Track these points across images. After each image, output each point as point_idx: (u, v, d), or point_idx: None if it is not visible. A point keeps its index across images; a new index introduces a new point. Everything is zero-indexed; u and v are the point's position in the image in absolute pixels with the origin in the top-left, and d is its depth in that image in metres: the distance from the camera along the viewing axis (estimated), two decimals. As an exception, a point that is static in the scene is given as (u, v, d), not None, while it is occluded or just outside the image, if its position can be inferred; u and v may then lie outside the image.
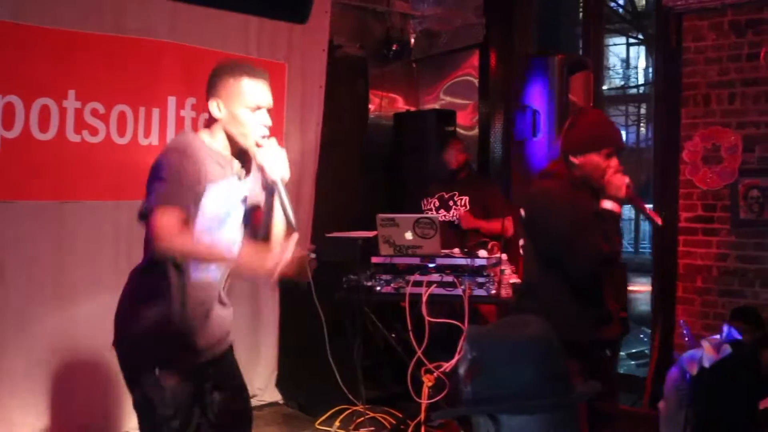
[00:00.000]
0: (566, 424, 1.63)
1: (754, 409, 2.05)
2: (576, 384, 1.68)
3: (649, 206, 3.56)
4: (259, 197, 3.06)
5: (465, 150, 5.88)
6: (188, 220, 2.75)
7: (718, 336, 2.06)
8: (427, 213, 5.69)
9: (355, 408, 5.16)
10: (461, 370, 1.70)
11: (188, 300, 2.87)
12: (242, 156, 2.96)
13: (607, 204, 3.27)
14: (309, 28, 5.58)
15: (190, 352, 2.91)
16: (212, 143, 2.90)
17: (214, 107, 2.87)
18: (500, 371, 1.61)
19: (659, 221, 3.47)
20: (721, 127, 5.57)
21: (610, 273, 3.54)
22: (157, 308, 2.85)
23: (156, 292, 2.86)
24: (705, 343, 2.01)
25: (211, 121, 2.92)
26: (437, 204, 5.75)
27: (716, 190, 5.60)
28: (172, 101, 4.83)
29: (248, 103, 2.84)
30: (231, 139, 2.90)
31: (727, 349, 2.00)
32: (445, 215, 5.70)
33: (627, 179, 3.31)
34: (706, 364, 1.99)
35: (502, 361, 1.62)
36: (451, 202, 5.73)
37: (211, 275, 2.93)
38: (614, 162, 3.34)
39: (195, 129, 4.72)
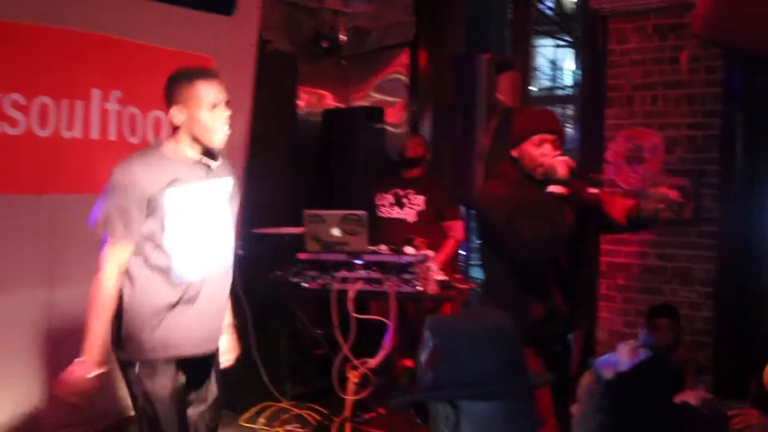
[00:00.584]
0: (523, 410, 1.67)
1: (669, 409, 2.10)
2: (533, 373, 1.73)
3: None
4: None
5: (425, 147, 5.88)
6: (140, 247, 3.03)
7: (633, 341, 2.12)
8: (380, 209, 5.71)
9: (280, 404, 5.14)
10: (422, 358, 1.71)
11: (152, 297, 3.05)
12: (213, 155, 3.15)
13: (552, 188, 3.32)
14: (238, 22, 5.52)
15: (165, 348, 3.07)
16: (178, 150, 3.09)
17: (176, 113, 3.05)
18: (462, 359, 1.64)
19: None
20: (644, 128, 5.70)
21: (558, 267, 3.56)
22: (127, 305, 3.06)
23: (123, 292, 3.06)
24: (621, 348, 2.06)
25: (175, 129, 3.10)
26: (392, 200, 5.75)
27: (638, 190, 5.72)
28: (96, 94, 4.72)
29: (206, 103, 3.04)
30: (197, 141, 3.08)
31: (643, 353, 2.06)
32: (399, 212, 5.71)
33: (566, 159, 3.37)
34: (623, 369, 2.05)
35: (463, 349, 1.64)
36: (405, 200, 5.73)
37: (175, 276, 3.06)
38: (547, 147, 3.40)
39: (119, 123, 4.70)
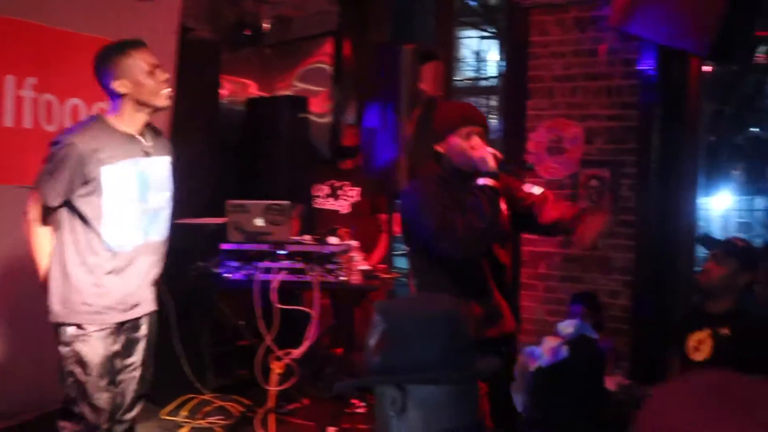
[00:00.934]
0: (468, 395, 1.68)
1: (589, 405, 2.14)
2: (482, 358, 1.73)
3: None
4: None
5: (356, 132, 5.86)
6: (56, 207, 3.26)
7: (567, 327, 2.14)
8: (316, 199, 5.68)
9: (202, 397, 5.09)
10: (371, 342, 1.71)
11: (88, 264, 3.29)
12: (153, 133, 3.46)
13: (482, 180, 3.28)
14: (159, 9, 5.42)
15: (100, 314, 3.32)
16: (117, 125, 3.30)
17: (120, 86, 3.26)
18: (411, 343, 1.64)
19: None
20: (564, 119, 5.79)
21: (496, 263, 3.56)
22: (64, 270, 3.30)
23: (62, 257, 3.31)
24: (545, 343, 2.09)
25: (117, 104, 3.31)
26: (328, 191, 5.73)
27: (559, 179, 5.82)
28: (9, 80, 4.59)
29: (144, 67, 3.28)
30: (144, 105, 3.31)
31: (564, 352, 2.08)
32: (333, 204, 5.70)
33: (494, 151, 3.36)
34: (543, 364, 2.08)
35: (412, 333, 1.65)
36: (340, 192, 5.71)
37: (108, 240, 3.30)
38: (476, 140, 3.38)
39: (35, 110, 4.58)
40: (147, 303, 3.57)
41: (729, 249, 3.83)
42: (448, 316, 1.69)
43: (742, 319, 3.71)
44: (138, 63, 3.28)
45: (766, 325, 3.77)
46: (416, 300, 1.83)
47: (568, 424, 2.00)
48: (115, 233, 3.30)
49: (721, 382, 1.09)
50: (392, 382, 1.65)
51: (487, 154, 3.33)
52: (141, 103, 3.31)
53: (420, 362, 1.63)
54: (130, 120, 3.33)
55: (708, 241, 4.12)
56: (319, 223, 5.36)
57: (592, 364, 2.14)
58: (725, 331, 3.70)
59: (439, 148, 3.44)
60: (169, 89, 3.38)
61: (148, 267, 3.52)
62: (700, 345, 3.79)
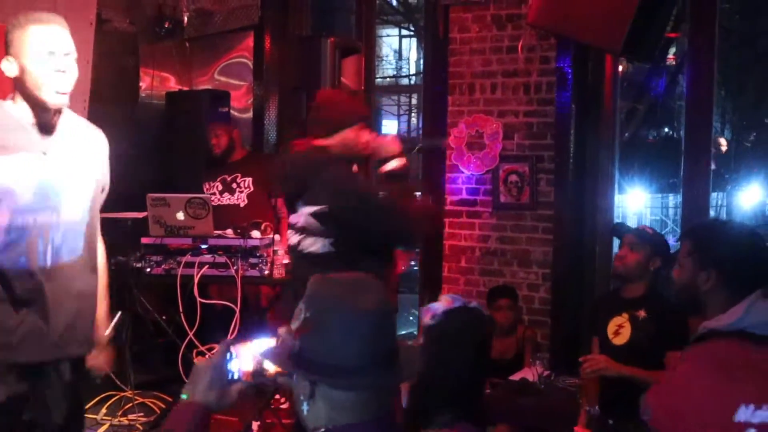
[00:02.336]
0: (379, 397, 1.66)
1: (481, 358, 2.20)
2: (399, 364, 1.70)
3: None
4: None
5: (228, 131, 5.79)
6: None
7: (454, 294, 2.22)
8: (212, 198, 5.61)
9: (123, 394, 5.00)
10: (294, 325, 1.70)
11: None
12: (48, 127, 2.77)
13: (392, 164, 3.33)
14: (74, -1, 5.32)
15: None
16: (13, 111, 2.70)
17: (6, 66, 2.65)
18: (329, 337, 1.62)
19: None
20: (484, 115, 5.88)
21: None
22: None
23: None
24: (441, 298, 2.16)
25: (12, 86, 2.70)
26: (220, 188, 5.67)
27: (479, 174, 5.90)
28: None
29: (38, 49, 2.62)
30: (31, 101, 2.68)
31: (458, 302, 2.15)
32: (230, 198, 5.64)
33: (390, 135, 3.44)
34: (438, 312, 2.14)
35: (333, 328, 1.62)
36: (234, 185, 5.66)
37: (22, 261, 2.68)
38: (367, 132, 3.47)
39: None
40: (71, 343, 2.85)
41: (641, 236, 4.03)
42: (372, 315, 1.65)
43: (656, 301, 3.89)
44: (30, 41, 2.61)
45: (678, 305, 3.93)
46: (347, 288, 1.70)
47: (450, 381, 2.04)
48: (9, 249, 2.67)
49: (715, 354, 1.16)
50: (303, 376, 1.65)
51: (385, 140, 3.44)
52: (27, 97, 2.67)
53: (333, 359, 1.61)
54: (25, 110, 2.71)
55: (621, 229, 4.31)
56: (219, 220, 5.29)
57: (476, 326, 2.20)
58: (642, 313, 3.87)
59: (329, 141, 3.43)
60: (66, 86, 2.70)
61: (69, 294, 2.82)
62: (619, 329, 3.96)
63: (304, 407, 1.65)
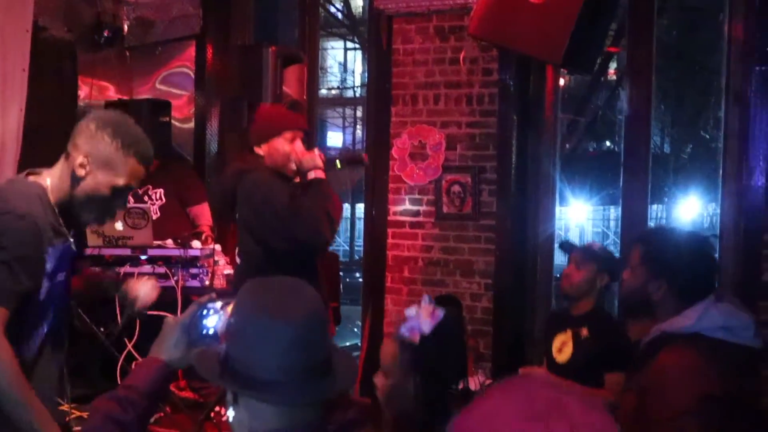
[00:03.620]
0: (309, 413, 1.61)
1: (463, 359, 2.23)
2: (332, 376, 1.65)
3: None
4: None
5: None
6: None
7: (424, 304, 2.21)
8: (150, 208, 5.52)
9: (60, 408, 4.89)
10: (220, 326, 1.72)
11: None
12: None
13: (312, 174, 3.40)
14: (10, 5, 5.21)
15: None
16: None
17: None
18: (252, 348, 1.57)
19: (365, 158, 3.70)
20: (427, 126, 5.90)
21: (323, 264, 3.65)
22: None
23: None
24: (420, 313, 2.14)
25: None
26: (132, 201, 5.55)
27: (422, 185, 5.92)
28: None
29: None
30: None
31: (440, 312, 2.16)
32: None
33: (315, 150, 3.53)
34: (427, 330, 2.13)
35: (257, 340, 1.56)
36: (146, 197, 5.57)
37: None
38: (299, 144, 3.52)
39: None
40: None
41: (587, 253, 4.03)
42: (299, 326, 1.58)
43: (600, 319, 3.90)
44: None
45: (620, 324, 3.97)
46: (276, 294, 1.63)
47: (451, 377, 2.06)
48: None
49: (526, 392, 1.12)
50: (220, 385, 1.65)
51: (311, 153, 3.53)
52: None
53: (254, 369, 1.57)
54: None
55: (567, 246, 4.32)
56: None
57: (457, 322, 2.24)
58: (584, 331, 3.88)
59: (260, 151, 3.55)
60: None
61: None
62: (563, 346, 3.96)
63: (230, 412, 1.63)
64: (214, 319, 1.87)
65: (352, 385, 1.68)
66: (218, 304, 1.90)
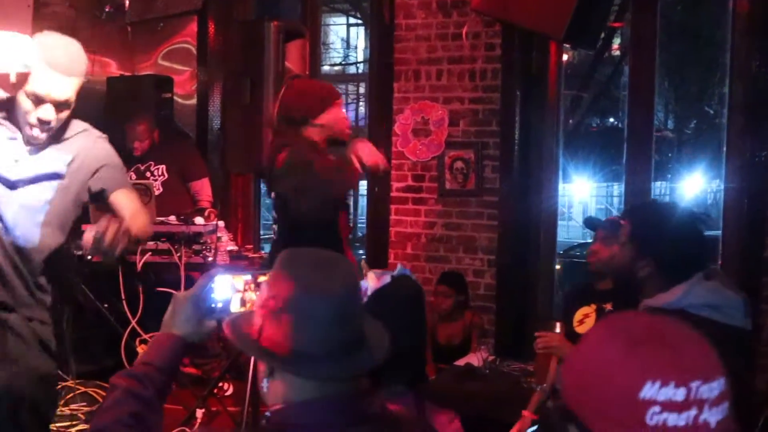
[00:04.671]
0: (345, 383, 1.62)
1: (414, 334, 2.21)
2: (368, 348, 1.65)
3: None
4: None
5: (150, 133, 5.67)
6: None
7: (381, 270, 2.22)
8: (153, 184, 5.53)
9: (65, 383, 4.92)
10: (256, 303, 1.67)
11: None
12: None
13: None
14: (11, -20, 5.21)
15: None
16: None
17: None
18: (290, 322, 1.57)
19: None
20: (430, 102, 5.88)
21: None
22: None
23: None
24: (369, 276, 2.15)
25: None
26: (134, 177, 5.55)
27: (425, 161, 5.91)
28: None
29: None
30: None
31: (387, 278, 2.15)
32: None
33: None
34: (368, 293, 2.13)
35: (294, 313, 1.57)
36: (148, 173, 5.57)
37: None
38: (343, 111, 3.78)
39: None
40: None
41: (614, 229, 3.95)
42: (338, 300, 1.59)
43: (626, 295, 3.84)
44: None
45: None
46: (314, 268, 1.63)
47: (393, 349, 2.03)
48: None
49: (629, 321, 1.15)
50: (261, 359, 1.63)
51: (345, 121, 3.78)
52: None
53: (293, 345, 1.57)
54: None
55: (592, 223, 4.27)
56: None
57: (411, 296, 2.21)
58: (608, 306, 3.87)
59: (319, 121, 3.62)
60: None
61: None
62: (585, 318, 3.97)
63: (265, 384, 1.63)
64: (222, 293, 1.88)
65: (385, 356, 1.68)
66: (229, 277, 1.91)
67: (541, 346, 3.66)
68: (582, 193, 18.84)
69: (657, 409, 1.06)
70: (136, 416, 1.66)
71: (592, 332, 1.18)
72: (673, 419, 1.06)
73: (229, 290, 1.91)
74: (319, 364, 1.57)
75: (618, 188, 18.35)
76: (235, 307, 1.88)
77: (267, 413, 1.64)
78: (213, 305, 1.86)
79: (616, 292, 3.89)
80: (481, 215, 5.81)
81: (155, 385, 1.73)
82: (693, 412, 1.06)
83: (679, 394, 1.07)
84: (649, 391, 1.06)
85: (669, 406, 1.06)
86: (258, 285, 1.91)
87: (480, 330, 5.40)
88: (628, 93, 5.79)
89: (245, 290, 1.90)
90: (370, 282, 2.14)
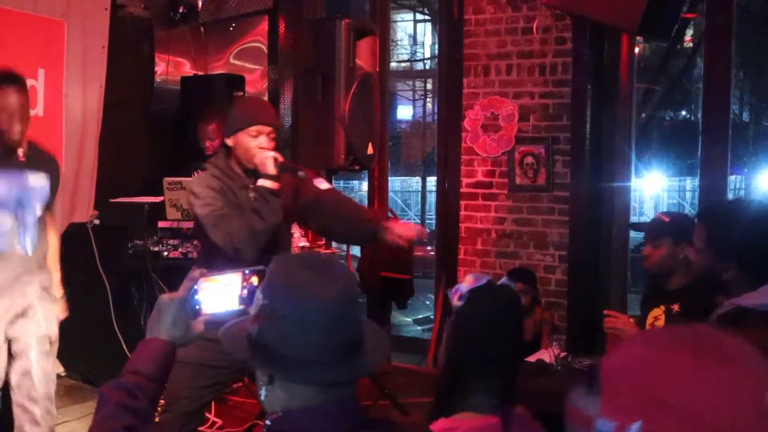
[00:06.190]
0: (344, 389, 1.60)
1: (513, 335, 2.16)
2: (365, 352, 1.63)
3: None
4: None
5: (221, 126, 5.72)
6: None
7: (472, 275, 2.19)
8: None
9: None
10: (251, 308, 1.65)
11: None
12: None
13: (261, 182, 3.29)
14: (90, -16, 5.35)
15: None
16: None
17: None
18: (285, 327, 1.55)
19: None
20: (500, 97, 5.86)
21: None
22: None
23: None
24: (467, 278, 2.13)
25: None
26: None
27: (495, 156, 5.89)
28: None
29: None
30: None
31: (484, 279, 2.11)
32: None
33: (274, 155, 3.35)
34: (463, 292, 2.10)
35: (291, 318, 1.55)
36: None
37: None
38: (263, 140, 3.36)
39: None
40: None
41: (660, 229, 3.86)
42: (334, 304, 1.56)
43: (694, 293, 3.74)
44: None
45: (711, 299, 3.86)
46: (309, 272, 1.60)
47: (481, 362, 1.99)
48: None
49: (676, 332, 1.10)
50: (252, 365, 1.61)
51: (267, 159, 3.33)
52: None
53: (292, 352, 1.55)
54: None
55: (636, 227, 4.17)
56: None
57: (504, 304, 2.15)
58: (676, 307, 3.76)
59: (229, 141, 3.42)
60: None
61: None
62: (655, 321, 3.86)
63: (262, 392, 1.61)
64: (204, 295, 1.84)
65: (384, 360, 1.64)
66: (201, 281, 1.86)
67: (609, 325, 3.61)
68: (654, 188, 18.52)
69: None
70: (129, 429, 1.63)
71: (637, 339, 1.12)
72: None
73: (219, 290, 1.87)
74: (317, 369, 1.54)
75: (690, 183, 18.00)
76: (224, 307, 1.85)
77: (267, 422, 1.61)
78: (197, 307, 1.80)
79: (685, 292, 3.78)
80: (551, 211, 5.77)
81: (147, 395, 1.69)
82: None
83: None
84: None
85: None
86: (248, 283, 1.86)
87: (550, 326, 5.36)
88: (703, 86, 5.68)
89: (240, 288, 1.86)
90: (466, 281, 2.12)
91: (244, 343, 1.61)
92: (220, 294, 1.83)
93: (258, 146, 3.33)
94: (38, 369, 3.74)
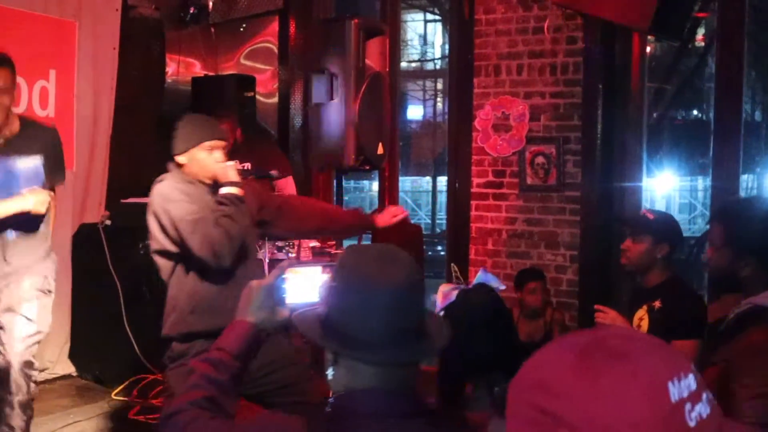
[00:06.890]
0: (406, 374, 1.68)
1: (496, 346, 2.19)
2: (427, 338, 1.71)
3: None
4: None
5: (233, 130, 5.74)
6: None
7: (451, 284, 2.22)
8: None
9: (153, 377, 5.05)
10: (322, 288, 1.74)
11: None
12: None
13: (225, 190, 3.30)
14: (100, -15, 5.37)
15: None
16: None
17: None
18: (351, 311, 1.65)
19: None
20: (510, 97, 5.85)
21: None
22: None
23: None
24: (439, 290, 2.17)
25: None
26: None
27: (505, 156, 5.88)
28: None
29: None
30: None
31: (452, 296, 2.16)
32: None
33: (231, 163, 3.39)
34: (436, 310, 2.16)
35: (354, 302, 1.65)
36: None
37: None
38: (218, 155, 3.38)
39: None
40: None
41: (642, 225, 3.79)
42: (399, 289, 1.65)
43: (672, 288, 3.71)
44: None
45: (693, 293, 3.84)
46: (376, 258, 1.72)
47: (471, 361, 2.03)
48: None
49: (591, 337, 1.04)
50: (323, 346, 1.70)
51: (229, 167, 3.36)
52: None
53: (358, 334, 1.64)
54: None
55: (619, 221, 4.12)
56: None
57: (483, 306, 2.20)
58: (657, 304, 3.72)
59: (181, 159, 3.40)
60: None
61: None
62: (640, 322, 3.82)
63: (329, 372, 1.69)
64: (289, 284, 1.98)
65: (444, 346, 1.73)
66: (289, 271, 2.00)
67: (599, 320, 3.59)
68: (665, 188, 18.45)
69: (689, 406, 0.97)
70: (210, 399, 1.75)
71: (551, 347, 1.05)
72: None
73: (300, 281, 2.03)
74: (378, 350, 1.63)
75: (702, 182, 17.92)
76: (304, 297, 1.98)
77: (330, 399, 1.70)
78: (284, 294, 1.95)
79: (664, 288, 3.72)
80: (563, 210, 5.75)
81: (229, 370, 1.82)
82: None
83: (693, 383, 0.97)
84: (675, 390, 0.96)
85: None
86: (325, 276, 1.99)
87: (561, 326, 5.35)
88: (714, 85, 5.65)
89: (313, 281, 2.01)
90: (439, 297, 2.17)
91: (316, 324, 1.71)
92: (302, 285, 1.98)
93: (215, 161, 3.36)
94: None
